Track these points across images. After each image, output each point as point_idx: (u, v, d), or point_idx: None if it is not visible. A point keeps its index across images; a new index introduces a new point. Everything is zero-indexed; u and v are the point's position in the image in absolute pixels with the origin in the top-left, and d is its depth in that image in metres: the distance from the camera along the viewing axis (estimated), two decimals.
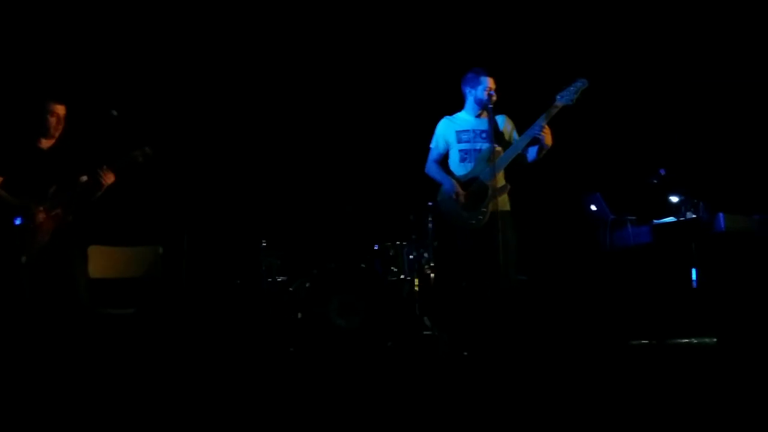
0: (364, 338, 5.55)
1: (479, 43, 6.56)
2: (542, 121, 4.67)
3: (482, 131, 4.92)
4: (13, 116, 4.88)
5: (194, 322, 5.57)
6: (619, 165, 6.72)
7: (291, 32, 6.87)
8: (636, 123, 6.81)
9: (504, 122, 5.02)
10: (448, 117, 5.10)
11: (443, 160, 5.08)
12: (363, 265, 5.95)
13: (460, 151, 4.98)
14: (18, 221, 4.48)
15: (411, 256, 6.13)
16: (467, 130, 4.99)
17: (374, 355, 5.42)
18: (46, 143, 4.70)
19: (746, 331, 5.47)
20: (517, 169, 4.91)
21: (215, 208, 6.60)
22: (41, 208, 4.54)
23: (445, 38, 6.80)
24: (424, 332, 5.68)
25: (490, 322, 4.71)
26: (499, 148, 4.86)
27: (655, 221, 6.15)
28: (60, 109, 4.67)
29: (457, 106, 5.12)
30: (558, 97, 4.71)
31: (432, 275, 5.92)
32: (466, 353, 4.85)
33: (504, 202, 4.87)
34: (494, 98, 4.84)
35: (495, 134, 4.85)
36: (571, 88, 4.69)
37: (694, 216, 5.90)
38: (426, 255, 6.05)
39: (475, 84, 4.93)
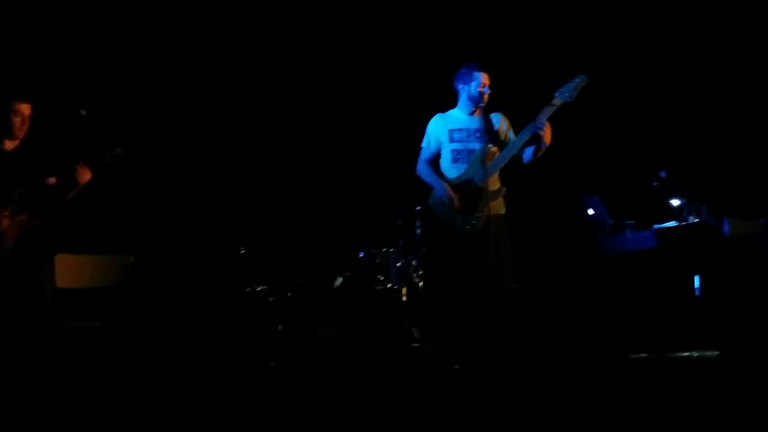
0: (348, 351, 5.53)
1: (472, 37, 6.55)
2: (542, 119, 4.58)
3: (476, 130, 4.83)
4: None
5: (167, 336, 5.52)
6: (617, 167, 6.67)
7: (271, 32, 6.86)
8: (636, 124, 6.79)
9: (499, 120, 4.92)
10: (440, 114, 5.00)
11: (435, 160, 4.98)
12: (347, 273, 5.94)
13: (453, 150, 4.87)
14: None
15: (398, 264, 6.08)
16: (460, 129, 4.87)
17: (360, 368, 5.39)
18: (10, 144, 4.60)
19: (750, 343, 5.39)
20: (512, 170, 4.83)
21: (190, 212, 6.57)
22: (5, 213, 4.43)
23: (436, 31, 6.78)
24: (413, 344, 5.65)
25: (481, 333, 4.65)
26: (494, 148, 4.78)
27: (656, 226, 6.10)
28: (25, 109, 4.57)
29: (450, 102, 5.00)
30: (557, 94, 4.62)
31: (421, 284, 5.90)
32: (456, 366, 4.78)
33: (499, 205, 4.80)
34: (486, 96, 4.79)
35: (489, 133, 4.77)
36: (571, 85, 4.61)
37: (697, 220, 5.85)
38: (414, 262, 6.03)
39: (468, 80, 4.83)
